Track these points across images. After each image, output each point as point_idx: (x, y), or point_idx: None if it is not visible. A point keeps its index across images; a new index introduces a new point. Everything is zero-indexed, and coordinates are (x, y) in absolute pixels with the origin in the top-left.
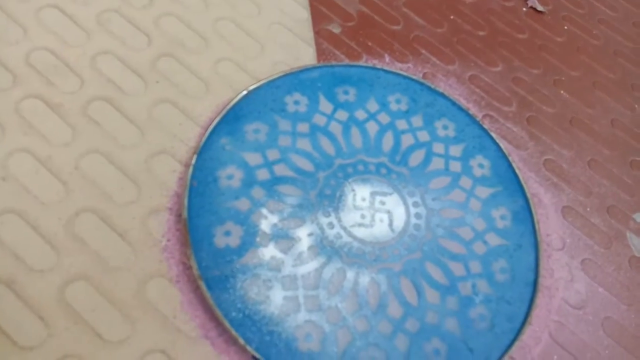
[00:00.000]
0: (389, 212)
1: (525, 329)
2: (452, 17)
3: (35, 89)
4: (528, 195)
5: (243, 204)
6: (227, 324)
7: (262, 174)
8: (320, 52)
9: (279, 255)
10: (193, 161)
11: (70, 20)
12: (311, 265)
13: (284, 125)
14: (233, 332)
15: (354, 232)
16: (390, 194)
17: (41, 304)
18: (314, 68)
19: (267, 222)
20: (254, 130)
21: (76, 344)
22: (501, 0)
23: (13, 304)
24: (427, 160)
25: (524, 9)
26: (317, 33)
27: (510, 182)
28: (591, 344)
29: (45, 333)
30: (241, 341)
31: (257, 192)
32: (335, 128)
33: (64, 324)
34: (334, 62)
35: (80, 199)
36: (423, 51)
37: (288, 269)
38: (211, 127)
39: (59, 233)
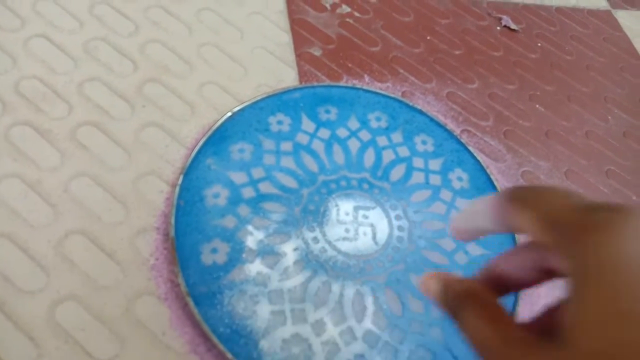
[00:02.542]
0: (372, 225)
1: None
2: (428, 37)
3: (24, 115)
4: None
5: (229, 222)
6: (215, 339)
7: (248, 192)
8: (302, 74)
9: (265, 270)
10: (179, 181)
11: (58, 49)
12: (297, 280)
13: (268, 144)
14: (221, 347)
15: (338, 245)
16: (373, 208)
17: (31, 324)
18: (296, 89)
19: (253, 238)
20: (239, 150)
21: None
22: (476, 20)
23: (3, 325)
24: (407, 174)
25: (498, 27)
26: (299, 56)
27: (489, 194)
28: None
29: (35, 353)
30: (229, 356)
31: (243, 210)
32: (318, 146)
33: (54, 343)
34: (315, 83)
35: (69, 221)
36: (401, 71)
37: (274, 283)
38: (197, 148)
39: (49, 255)
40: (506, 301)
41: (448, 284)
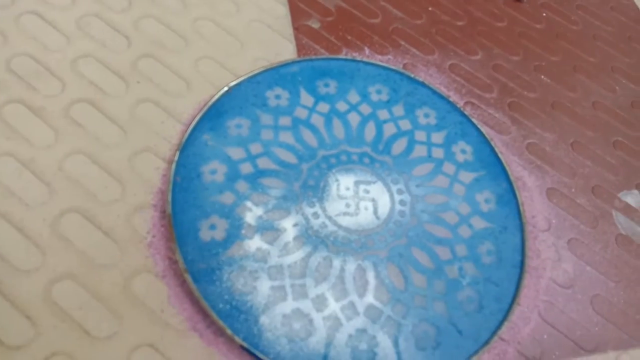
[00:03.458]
0: (373, 200)
1: (514, 310)
2: (430, 8)
3: (17, 93)
4: (512, 178)
5: (227, 198)
6: (214, 316)
7: (246, 168)
8: (301, 48)
9: (264, 246)
10: (176, 158)
11: (50, 26)
12: (297, 255)
13: (266, 119)
14: (221, 323)
15: (339, 220)
16: (374, 182)
17: (28, 303)
18: (293, 62)
19: (252, 214)
20: (236, 125)
21: (64, 341)
22: None
23: None
24: (409, 148)
25: None
26: (297, 29)
27: (493, 166)
28: (581, 321)
29: (32, 332)
30: (229, 332)
31: (241, 186)
32: (317, 120)
33: (51, 322)
34: (313, 56)
35: (65, 199)
36: (402, 42)
37: (274, 259)
38: (193, 123)
39: (44, 233)
40: (512, 275)
41: None
